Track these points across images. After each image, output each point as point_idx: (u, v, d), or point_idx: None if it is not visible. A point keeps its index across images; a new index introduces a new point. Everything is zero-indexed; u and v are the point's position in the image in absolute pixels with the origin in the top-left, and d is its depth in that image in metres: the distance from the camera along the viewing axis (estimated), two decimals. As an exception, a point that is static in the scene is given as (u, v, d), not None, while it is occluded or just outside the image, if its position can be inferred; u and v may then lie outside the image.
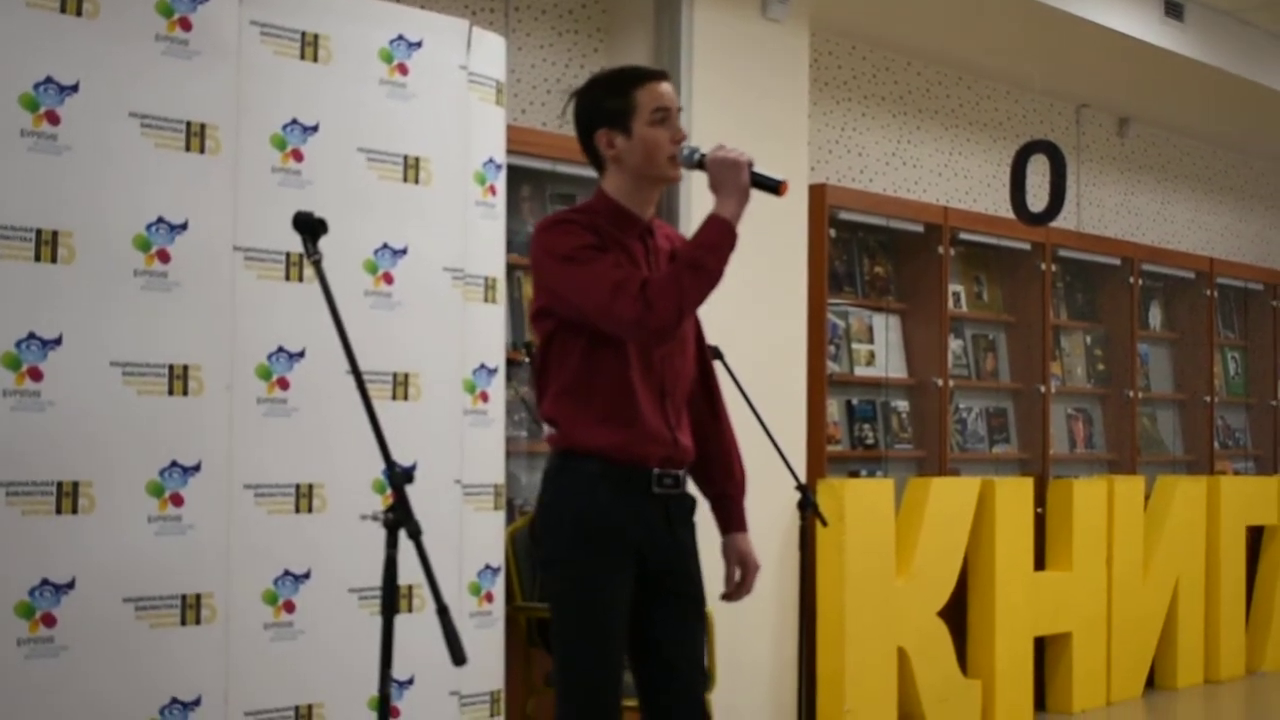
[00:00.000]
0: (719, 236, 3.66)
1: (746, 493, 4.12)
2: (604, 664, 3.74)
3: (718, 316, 6.72)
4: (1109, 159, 10.47)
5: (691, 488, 4.01)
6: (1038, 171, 8.04)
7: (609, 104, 3.81)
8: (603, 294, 3.63)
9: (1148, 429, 10.33)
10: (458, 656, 2.78)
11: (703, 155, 3.76)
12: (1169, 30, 8.81)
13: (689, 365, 3.95)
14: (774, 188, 3.72)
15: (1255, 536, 10.27)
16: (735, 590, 4.07)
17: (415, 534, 2.90)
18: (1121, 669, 8.93)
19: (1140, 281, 9.95)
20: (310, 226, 3.30)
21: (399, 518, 2.94)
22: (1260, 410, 11.35)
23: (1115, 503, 8.89)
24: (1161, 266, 10.26)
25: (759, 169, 3.73)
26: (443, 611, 2.83)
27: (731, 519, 4.07)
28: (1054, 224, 8.79)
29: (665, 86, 3.81)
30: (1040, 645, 8.51)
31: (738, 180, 3.70)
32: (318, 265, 3.24)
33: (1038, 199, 7.97)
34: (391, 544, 2.97)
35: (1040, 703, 8.55)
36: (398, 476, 2.97)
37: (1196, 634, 9.56)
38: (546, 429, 3.90)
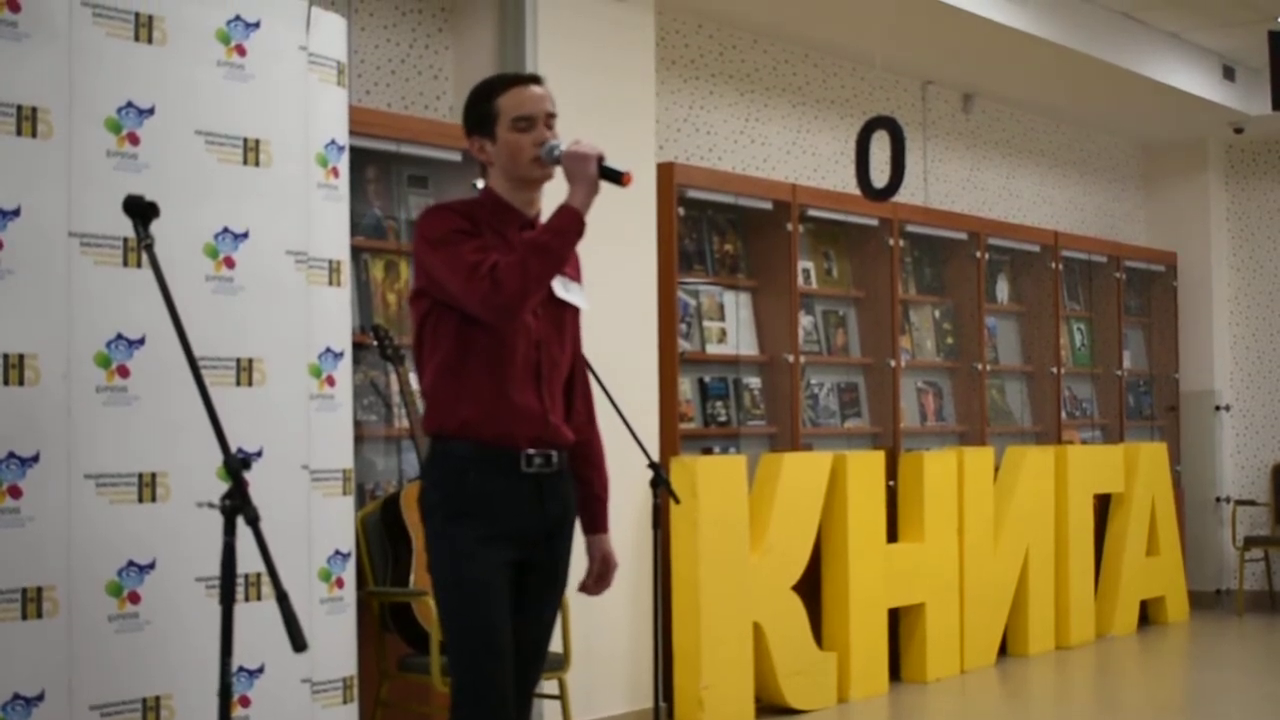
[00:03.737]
0: (565, 223, 3.86)
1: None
2: (488, 626, 3.83)
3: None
4: (954, 134, 10.59)
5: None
6: (881, 147, 8.10)
7: (477, 111, 4.03)
8: (460, 274, 3.81)
9: (996, 400, 10.48)
10: (297, 643, 2.76)
11: (561, 151, 3.94)
12: (1011, 7, 8.92)
13: (566, 356, 4.09)
14: (617, 179, 3.92)
15: (1102, 504, 10.47)
16: (595, 586, 4.26)
17: (253, 520, 2.87)
18: (974, 638, 9.06)
19: (987, 255, 10.08)
20: (141, 210, 3.26)
21: (236, 504, 2.90)
22: (1106, 380, 11.56)
23: (965, 474, 9.02)
24: (1007, 240, 10.41)
25: (608, 162, 3.92)
26: (282, 598, 2.80)
27: (597, 519, 4.24)
28: (901, 199, 8.88)
29: (529, 92, 4.01)
30: (894, 616, 8.62)
31: (585, 172, 3.89)
32: (149, 250, 3.20)
33: (882, 174, 8.04)
34: (229, 531, 2.93)
35: (895, 673, 8.66)
36: (234, 462, 2.93)
37: (1047, 601, 9.73)
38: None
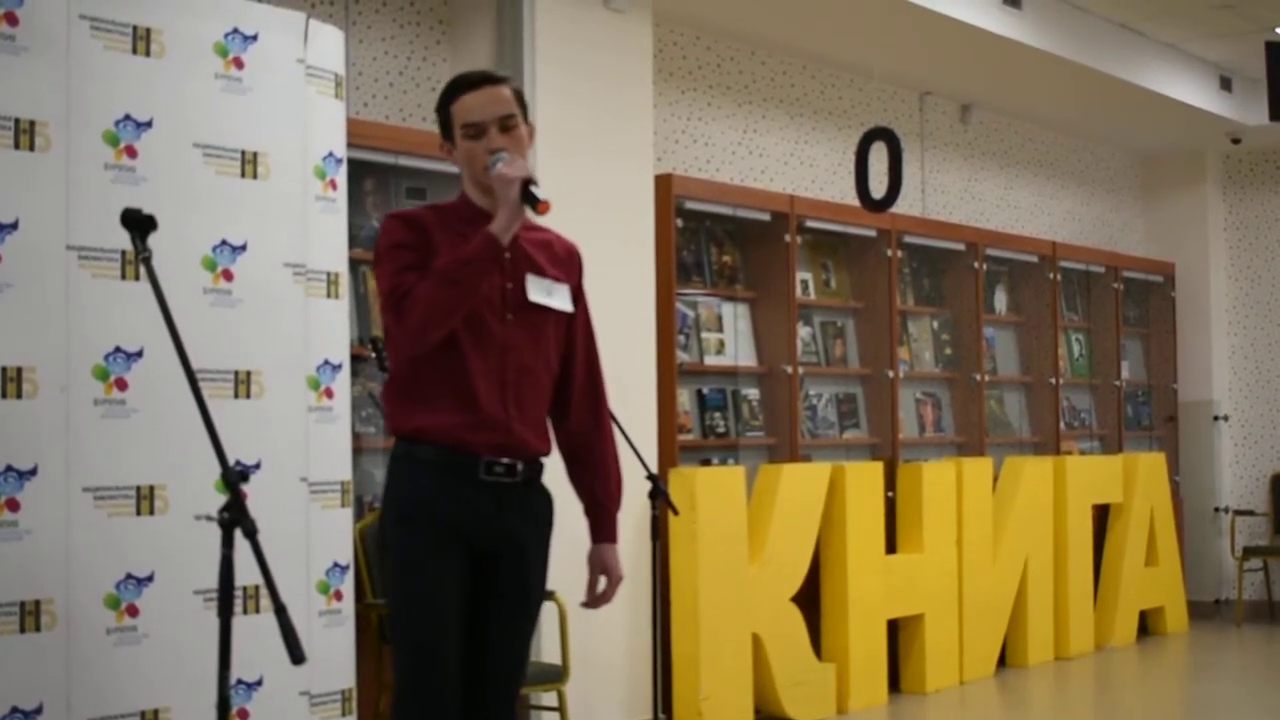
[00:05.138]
0: (479, 251, 3.72)
1: (621, 503, 4.14)
2: (431, 642, 3.75)
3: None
4: (952, 145, 10.60)
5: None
6: (879, 158, 8.11)
7: (440, 117, 3.96)
8: (383, 296, 3.77)
9: (995, 411, 10.48)
10: (296, 655, 2.75)
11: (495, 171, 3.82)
12: (1008, 18, 8.94)
13: (545, 363, 3.95)
14: (533, 205, 3.75)
15: (1101, 515, 10.47)
16: (595, 600, 4.11)
17: (250, 533, 2.86)
18: (973, 649, 9.05)
19: (985, 266, 10.09)
20: (139, 223, 3.25)
21: (234, 517, 2.90)
22: (1104, 390, 11.56)
23: (964, 485, 9.01)
24: (1005, 251, 10.41)
25: (533, 187, 3.75)
26: (280, 610, 2.79)
27: (601, 529, 4.09)
28: (899, 210, 8.88)
29: (477, 96, 3.88)
30: (893, 627, 8.61)
31: (507, 196, 3.75)
32: (147, 263, 3.19)
33: (880, 185, 8.05)
34: (227, 544, 2.92)
35: (894, 684, 8.65)
36: (233, 475, 2.93)
37: (1046, 612, 9.72)
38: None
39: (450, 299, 3.68)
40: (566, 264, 4.06)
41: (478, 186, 3.91)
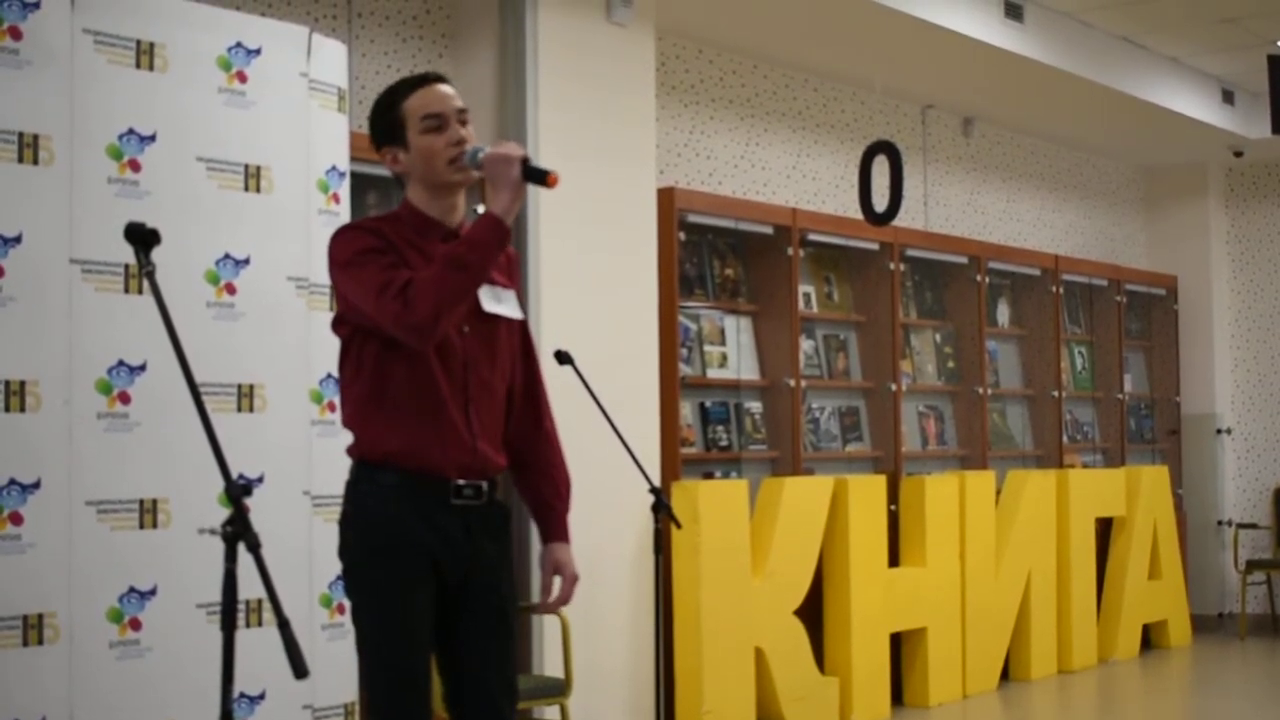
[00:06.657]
0: (486, 233, 3.59)
1: (570, 503, 4.04)
2: (405, 671, 3.68)
3: (569, 321, 6.77)
4: (954, 159, 10.60)
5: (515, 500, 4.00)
6: (881, 172, 8.12)
7: (383, 122, 3.79)
8: (371, 294, 3.59)
9: (998, 424, 10.48)
10: (299, 670, 2.74)
11: (485, 155, 3.70)
12: (1009, 31, 8.94)
13: (500, 374, 3.86)
14: (543, 180, 3.61)
15: (1104, 528, 10.46)
16: (548, 601, 3.98)
17: (254, 547, 2.85)
18: (976, 662, 9.04)
19: (987, 279, 10.09)
20: (142, 237, 3.23)
21: (237, 530, 2.89)
22: (1107, 404, 11.55)
23: (967, 498, 9.00)
24: (1008, 264, 10.42)
25: (533, 163, 3.64)
26: (283, 625, 2.78)
27: (551, 528, 3.99)
28: (902, 223, 8.88)
29: (434, 91, 3.77)
30: (896, 641, 8.60)
31: (508, 175, 3.61)
32: (151, 277, 3.18)
33: (883, 199, 8.05)
34: (230, 558, 2.91)
35: (897, 697, 8.64)
36: (235, 489, 2.92)
37: (1049, 625, 9.71)
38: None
39: (460, 283, 3.55)
40: (508, 270, 3.95)
41: (430, 188, 3.76)
